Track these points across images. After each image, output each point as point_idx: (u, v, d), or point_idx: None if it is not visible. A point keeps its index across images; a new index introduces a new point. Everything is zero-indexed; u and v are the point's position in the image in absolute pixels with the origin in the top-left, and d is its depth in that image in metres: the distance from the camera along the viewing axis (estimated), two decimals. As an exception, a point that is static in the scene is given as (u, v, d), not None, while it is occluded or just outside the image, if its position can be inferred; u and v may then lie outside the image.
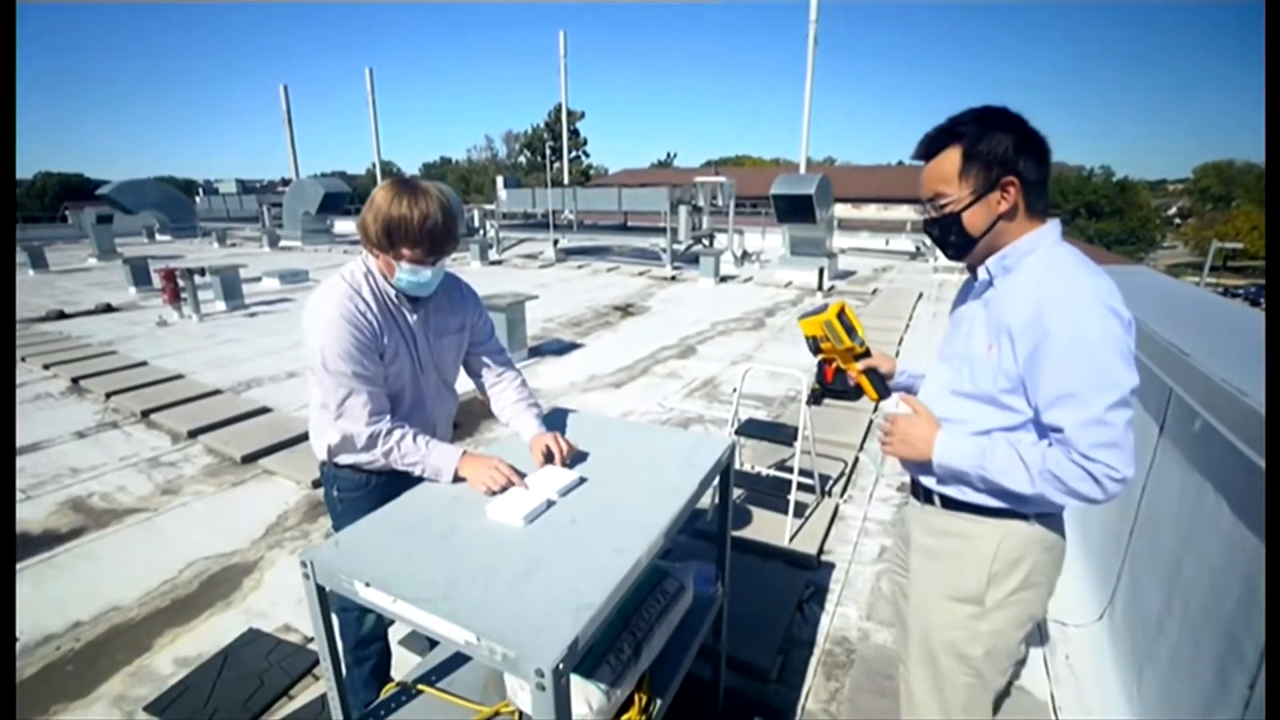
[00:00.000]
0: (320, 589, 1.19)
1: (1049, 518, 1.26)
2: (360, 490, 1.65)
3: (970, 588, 1.29)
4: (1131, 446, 1.08)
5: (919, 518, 1.40)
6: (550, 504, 1.33)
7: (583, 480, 1.44)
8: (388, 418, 1.54)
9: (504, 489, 1.39)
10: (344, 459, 1.62)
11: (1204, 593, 1.61)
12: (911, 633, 1.42)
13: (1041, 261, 1.19)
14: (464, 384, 1.87)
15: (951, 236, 1.25)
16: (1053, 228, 1.21)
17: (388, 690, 1.44)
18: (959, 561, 1.30)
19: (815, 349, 1.53)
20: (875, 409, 4.63)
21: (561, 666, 0.91)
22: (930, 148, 1.23)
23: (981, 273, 1.27)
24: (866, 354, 1.51)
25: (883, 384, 1.53)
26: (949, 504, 1.31)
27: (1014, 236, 1.21)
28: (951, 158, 1.19)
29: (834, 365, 1.52)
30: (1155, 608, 1.89)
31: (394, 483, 1.55)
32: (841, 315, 1.46)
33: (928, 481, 1.34)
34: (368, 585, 1.09)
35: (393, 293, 1.57)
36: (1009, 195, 1.17)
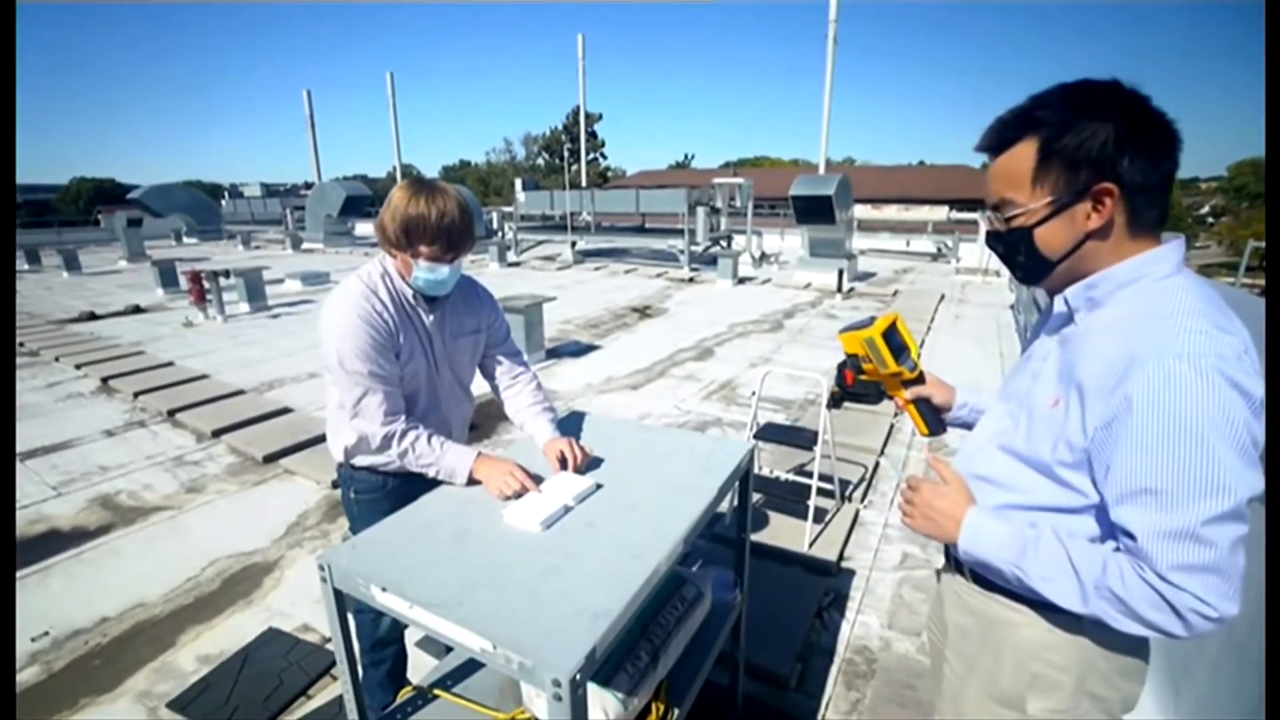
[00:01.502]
0: (338, 593, 1.18)
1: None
2: (377, 492, 1.66)
3: (1007, 689, 1.05)
4: (1239, 576, 0.80)
5: (951, 586, 1.16)
6: (567, 509, 1.32)
7: (599, 486, 1.42)
8: (403, 418, 1.53)
9: (518, 495, 1.37)
10: (360, 460, 1.63)
11: (1249, 605, 1.53)
12: (945, 713, 1.21)
13: (1143, 298, 0.88)
14: (481, 385, 1.86)
15: (1020, 257, 0.96)
16: (1170, 251, 0.89)
17: (404, 694, 1.43)
18: (993, 653, 1.06)
19: (857, 369, 1.27)
20: (896, 413, 4.55)
21: (579, 677, 0.89)
22: (999, 138, 0.93)
23: (1059, 303, 0.98)
24: (919, 379, 1.26)
25: (936, 417, 1.28)
26: (981, 581, 1.07)
27: (1109, 261, 0.91)
28: (1024, 154, 0.90)
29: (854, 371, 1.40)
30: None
31: (410, 485, 1.55)
32: (890, 332, 1.21)
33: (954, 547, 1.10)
34: (384, 590, 1.08)
35: (409, 293, 1.57)
36: (1103, 208, 0.87)
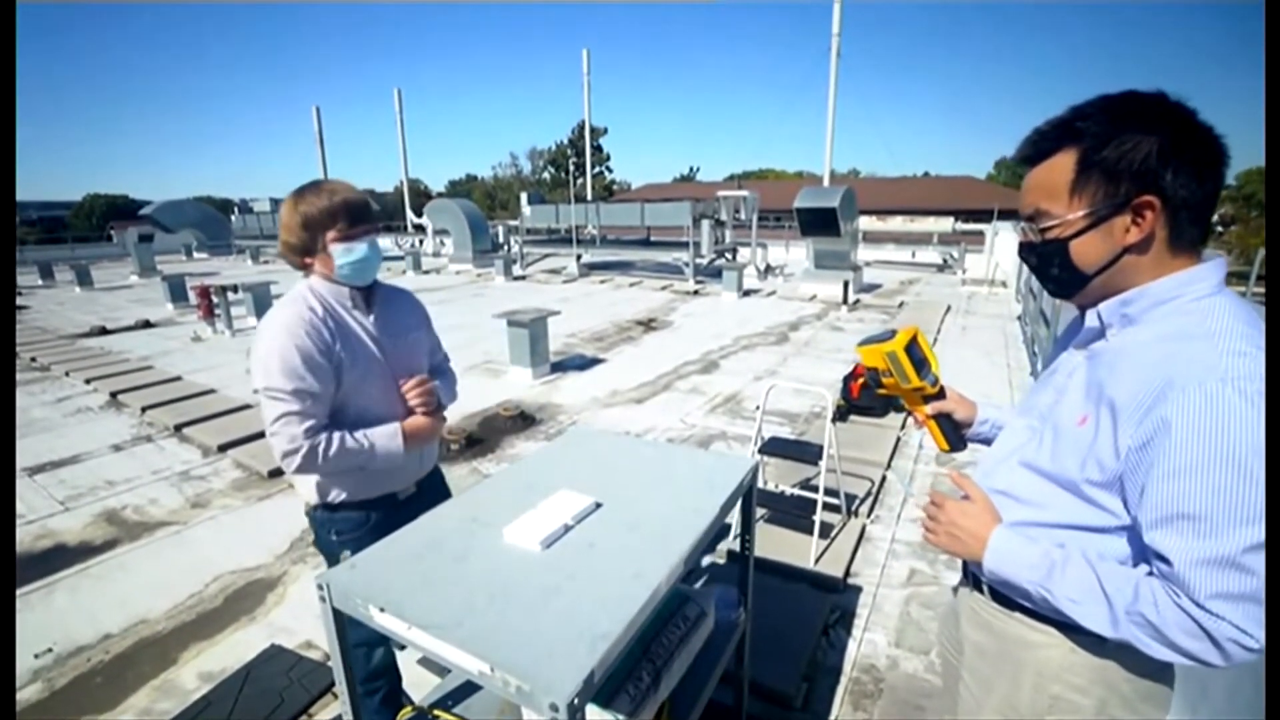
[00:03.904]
0: (337, 613, 1.18)
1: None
2: (361, 528, 1.61)
3: (1025, 709, 1.02)
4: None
5: (968, 603, 1.13)
6: (567, 528, 1.31)
7: (599, 505, 1.41)
8: (324, 433, 1.47)
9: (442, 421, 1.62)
10: (333, 496, 1.59)
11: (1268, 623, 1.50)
12: None
13: (1181, 316, 0.85)
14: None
15: (1053, 269, 0.94)
16: (1211, 270, 0.87)
17: (404, 715, 1.41)
18: (1012, 674, 1.04)
19: (876, 383, 1.24)
20: (904, 426, 4.52)
21: (576, 701, 0.88)
22: (1036, 149, 0.92)
23: (1091, 317, 0.95)
24: (940, 394, 1.23)
25: (957, 433, 1.25)
26: (1001, 599, 1.04)
27: (1146, 277, 0.88)
28: (1062, 165, 0.88)
29: (860, 381, 1.39)
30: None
31: (394, 515, 1.56)
32: (912, 346, 1.18)
33: (977, 568, 1.07)
34: (382, 610, 1.07)
35: (344, 297, 1.56)
36: (1143, 221, 0.85)
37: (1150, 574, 0.85)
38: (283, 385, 1.42)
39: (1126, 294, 0.90)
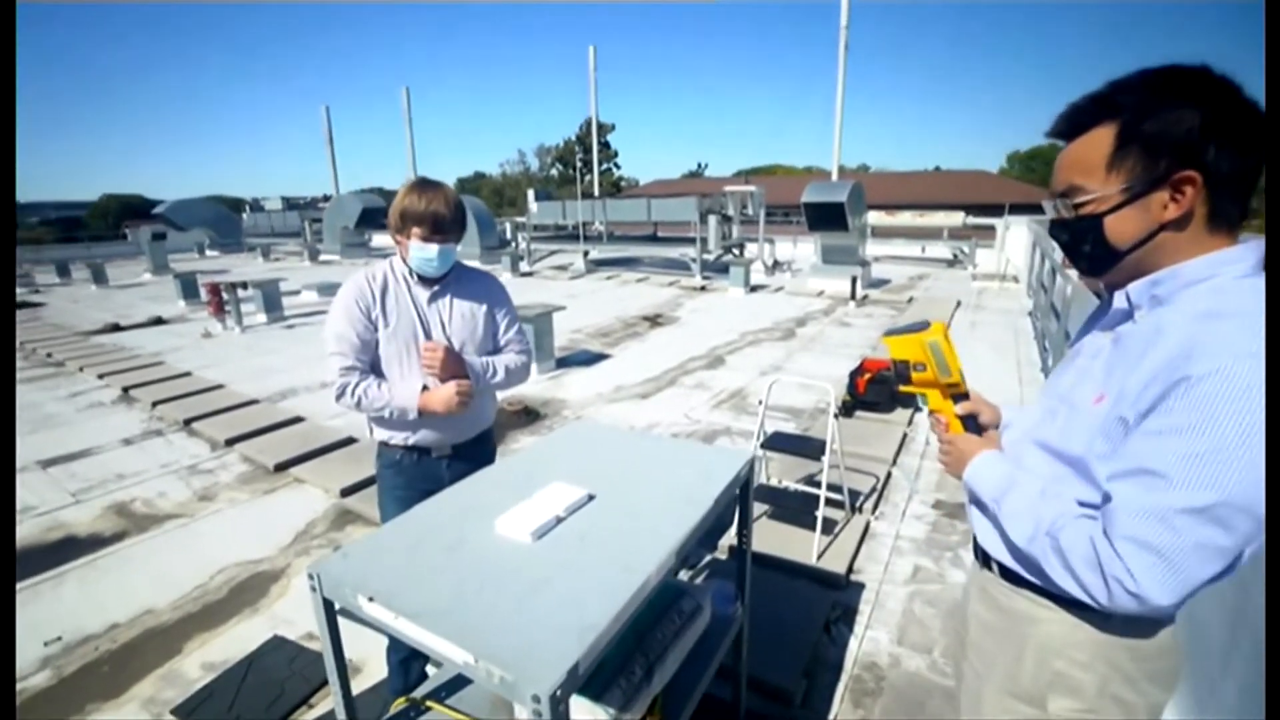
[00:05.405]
0: (328, 603, 1.18)
1: (1144, 624, 0.94)
2: (393, 467, 1.87)
3: (1027, 685, 1.02)
4: (1191, 578, 0.78)
5: (977, 581, 1.16)
6: (559, 520, 1.30)
7: (592, 497, 1.40)
8: (356, 375, 1.76)
9: (466, 399, 1.73)
10: (380, 433, 1.86)
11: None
12: (964, 711, 1.20)
13: (1213, 297, 0.82)
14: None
15: (1085, 246, 0.91)
16: (1248, 250, 0.84)
17: (397, 705, 1.42)
18: (1016, 649, 1.04)
19: (904, 377, 1.17)
20: (909, 420, 4.47)
21: (559, 693, 0.87)
22: (1072, 123, 0.90)
23: (1119, 299, 0.93)
24: (965, 394, 1.18)
25: (981, 435, 1.23)
26: (1008, 575, 1.06)
27: (1182, 256, 0.86)
28: (1100, 139, 0.86)
29: (866, 377, 1.33)
30: (1219, 642, 1.74)
31: (424, 467, 1.84)
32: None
33: (986, 544, 1.09)
34: (371, 600, 1.07)
35: (408, 274, 1.81)
36: (1182, 197, 0.82)
37: (1085, 517, 0.89)
38: (330, 331, 1.77)
39: (1157, 274, 0.88)
